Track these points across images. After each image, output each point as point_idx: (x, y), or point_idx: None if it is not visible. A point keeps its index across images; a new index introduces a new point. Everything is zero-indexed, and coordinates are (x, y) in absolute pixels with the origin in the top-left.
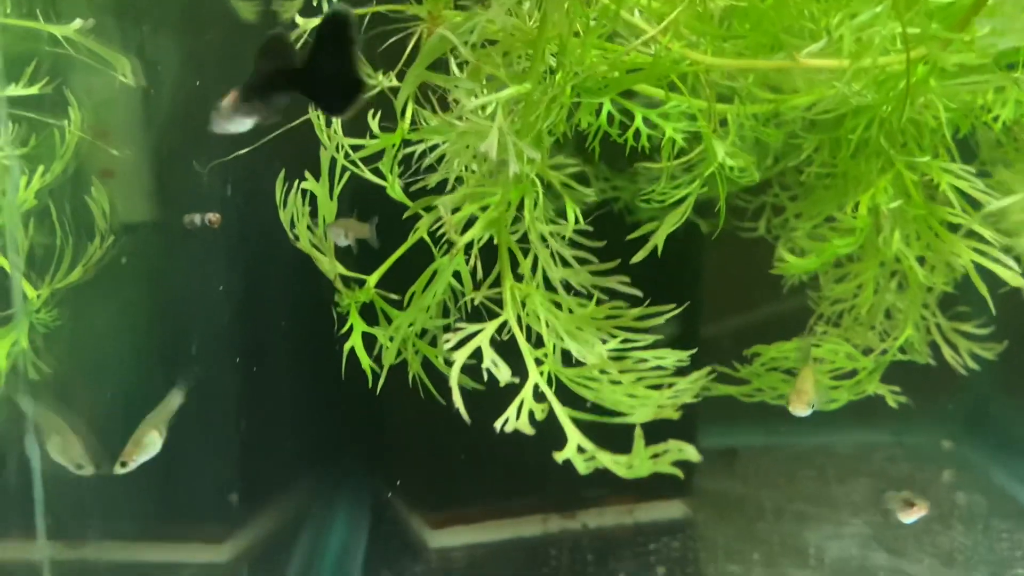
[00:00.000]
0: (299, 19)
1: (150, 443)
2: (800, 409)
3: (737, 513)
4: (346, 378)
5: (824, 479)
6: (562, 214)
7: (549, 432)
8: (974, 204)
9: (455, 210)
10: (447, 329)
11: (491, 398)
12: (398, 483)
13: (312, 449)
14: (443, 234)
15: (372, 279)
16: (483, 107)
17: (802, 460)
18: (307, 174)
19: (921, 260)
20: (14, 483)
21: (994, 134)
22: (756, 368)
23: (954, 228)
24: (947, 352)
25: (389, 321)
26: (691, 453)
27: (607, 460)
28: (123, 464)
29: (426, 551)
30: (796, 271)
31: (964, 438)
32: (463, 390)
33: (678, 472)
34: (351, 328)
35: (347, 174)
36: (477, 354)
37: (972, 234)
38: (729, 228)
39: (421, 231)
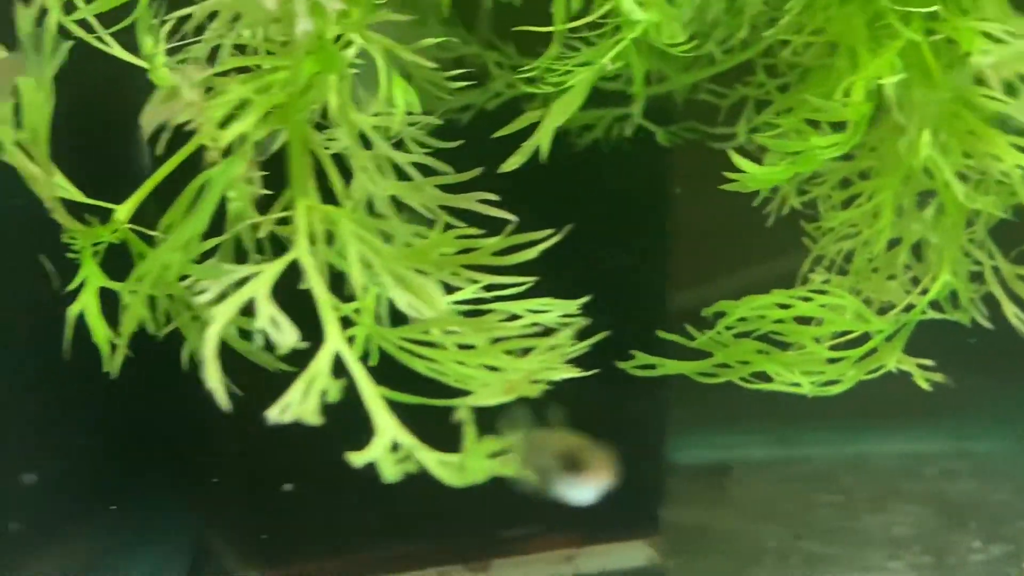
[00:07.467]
0: None
1: None
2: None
3: (727, 557)
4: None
5: (852, 507)
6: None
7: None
8: None
9: (207, 91)
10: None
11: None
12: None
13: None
14: None
15: (124, 209)
16: None
17: (822, 479)
18: None
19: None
20: None
21: None
22: (720, 334)
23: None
24: (1010, 309)
25: None
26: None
27: (430, 460)
28: None
29: None
30: (759, 185)
31: None
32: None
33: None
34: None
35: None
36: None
37: None
38: (695, 136)
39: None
